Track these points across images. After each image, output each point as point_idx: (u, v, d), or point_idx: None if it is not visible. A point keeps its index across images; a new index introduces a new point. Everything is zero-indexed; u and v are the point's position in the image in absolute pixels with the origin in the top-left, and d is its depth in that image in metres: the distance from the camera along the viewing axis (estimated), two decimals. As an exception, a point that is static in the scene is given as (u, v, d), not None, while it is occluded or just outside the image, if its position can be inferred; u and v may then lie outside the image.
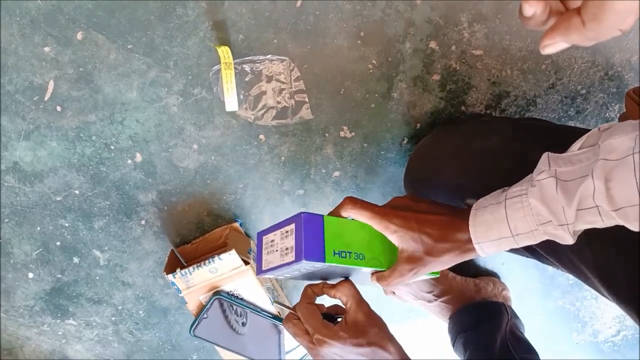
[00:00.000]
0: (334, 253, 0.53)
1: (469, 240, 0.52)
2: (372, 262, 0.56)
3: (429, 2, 0.74)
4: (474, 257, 0.54)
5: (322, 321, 0.57)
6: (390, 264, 0.58)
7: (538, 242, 0.49)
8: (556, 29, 0.37)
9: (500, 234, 0.49)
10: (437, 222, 0.55)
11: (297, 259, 0.52)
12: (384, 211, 0.56)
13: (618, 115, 0.83)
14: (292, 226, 0.54)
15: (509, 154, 0.64)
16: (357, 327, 0.56)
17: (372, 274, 0.58)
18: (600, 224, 0.44)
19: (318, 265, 0.53)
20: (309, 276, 0.59)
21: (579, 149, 0.46)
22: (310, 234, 0.53)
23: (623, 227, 0.52)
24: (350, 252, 0.55)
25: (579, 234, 0.56)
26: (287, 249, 0.54)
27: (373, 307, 0.95)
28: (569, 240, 0.47)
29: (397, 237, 0.56)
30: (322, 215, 0.55)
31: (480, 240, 0.51)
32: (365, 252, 0.56)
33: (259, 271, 0.58)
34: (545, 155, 0.48)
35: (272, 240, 0.57)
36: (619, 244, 0.53)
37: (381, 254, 0.57)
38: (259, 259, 0.58)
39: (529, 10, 0.39)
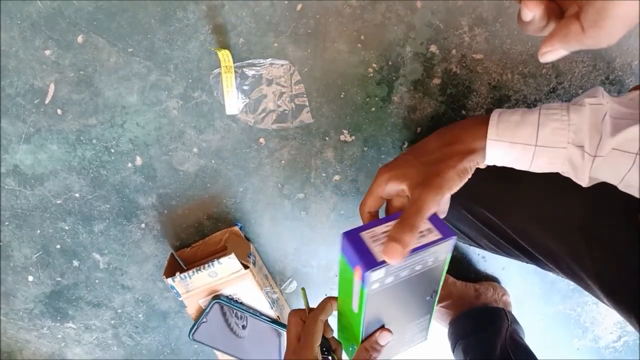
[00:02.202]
0: None
1: (481, 137, 0.45)
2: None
3: (429, 6, 0.74)
4: (479, 162, 0.47)
5: (317, 346, 0.56)
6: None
7: (548, 170, 0.44)
8: (555, 35, 0.37)
9: (522, 138, 0.43)
10: (431, 138, 0.50)
11: (446, 236, 0.48)
12: (372, 186, 0.53)
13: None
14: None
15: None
16: None
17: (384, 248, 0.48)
18: (615, 178, 0.41)
19: (429, 266, 0.50)
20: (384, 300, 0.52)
21: (632, 98, 0.43)
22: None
23: (623, 233, 0.52)
24: None
25: (579, 242, 0.55)
26: (425, 229, 0.49)
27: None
28: (584, 178, 0.42)
29: (396, 172, 0.50)
30: None
31: (498, 137, 0.44)
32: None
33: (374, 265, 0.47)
34: (597, 87, 0.44)
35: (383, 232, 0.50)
36: (619, 251, 0.53)
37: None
38: (361, 254, 0.48)
39: (528, 14, 0.39)
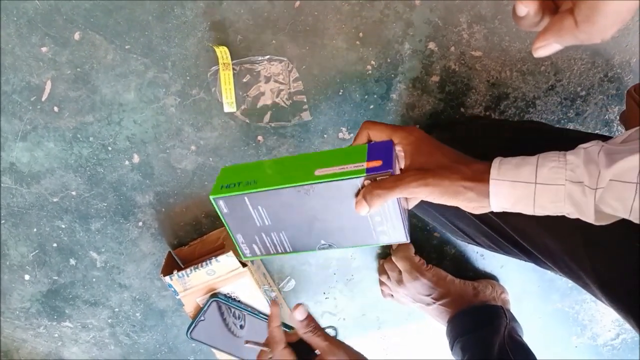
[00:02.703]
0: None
1: (485, 172, 0.48)
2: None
3: (428, 3, 0.73)
4: (479, 198, 0.49)
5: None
6: None
7: (554, 211, 0.46)
8: (549, 30, 0.38)
9: (522, 176, 0.46)
10: (457, 152, 0.53)
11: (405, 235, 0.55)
12: (407, 126, 0.55)
13: (618, 115, 0.83)
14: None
15: (508, 157, 0.64)
16: None
17: (359, 191, 0.52)
18: (623, 208, 0.42)
19: None
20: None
21: (625, 139, 0.43)
22: None
23: (622, 235, 0.52)
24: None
25: (577, 241, 0.55)
26: None
27: (372, 312, 0.94)
28: (590, 213, 0.44)
29: (412, 148, 0.52)
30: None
31: (500, 177, 0.47)
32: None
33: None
34: (595, 140, 0.46)
35: None
36: (618, 252, 0.52)
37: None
38: (390, 158, 0.53)
39: (523, 9, 0.39)
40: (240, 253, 0.61)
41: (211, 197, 0.55)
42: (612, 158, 0.42)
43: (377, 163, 0.51)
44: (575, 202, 0.44)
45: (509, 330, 0.84)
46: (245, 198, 0.54)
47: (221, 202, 0.55)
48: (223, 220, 0.57)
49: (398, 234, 0.55)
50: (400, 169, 0.55)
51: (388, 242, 0.56)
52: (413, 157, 0.52)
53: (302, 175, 0.53)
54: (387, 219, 0.54)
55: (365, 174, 0.50)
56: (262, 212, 0.56)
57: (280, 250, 0.61)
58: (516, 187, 0.46)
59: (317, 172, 0.53)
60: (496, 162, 0.48)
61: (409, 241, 0.55)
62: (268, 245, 0.60)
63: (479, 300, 0.88)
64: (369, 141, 0.56)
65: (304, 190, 0.53)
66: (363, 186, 0.51)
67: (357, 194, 0.52)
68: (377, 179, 0.51)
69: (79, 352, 0.98)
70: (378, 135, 0.55)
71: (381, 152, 0.53)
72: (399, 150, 0.54)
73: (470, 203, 0.49)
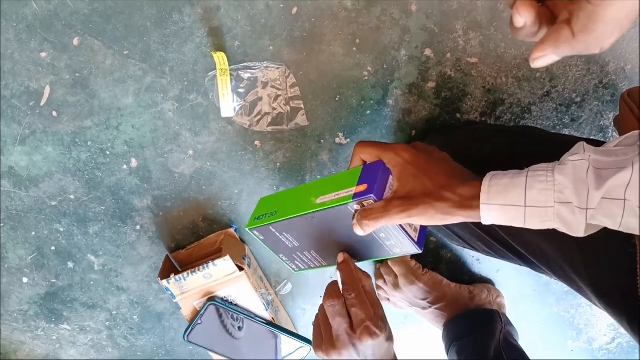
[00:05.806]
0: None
1: (473, 198, 0.48)
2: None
3: (424, 9, 0.74)
4: (468, 219, 0.50)
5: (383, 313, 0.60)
6: None
7: (545, 227, 0.46)
8: (546, 41, 0.38)
9: (512, 200, 0.46)
10: (446, 168, 0.53)
11: (418, 244, 0.56)
12: (395, 144, 0.56)
13: (613, 120, 0.83)
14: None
15: (503, 162, 0.64)
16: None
17: (355, 214, 0.54)
18: (612, 224, 0.42)
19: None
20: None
21: (615, 146, 0.44)
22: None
23: (615, 239, 0.53)
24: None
25: (571, 245, 0.56)
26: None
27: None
28: (579, 230, 0.44)
29: (399, 171, 0.53)
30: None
31: (489, 201, 0.47)
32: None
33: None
34: (580, 143, 0.46)
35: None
36: (611, 256, 0.53)
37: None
38: (379, 183, 0.54)
39: (520, 20, 0.39)
40: (290, 269, 0.70)
41: (247, 229, 0.64)
42: (601, 177, 0.41)
43: (362, 187, 0.53)
44: (565, 221, 0.44)
45: (504, 334, 0.84)
46: (271, 227, 0.62)
47: (256, 232, 0.64)
48: (264, 246, 0.66)
49: (407, 247, 0.57)
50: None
51: (402, 254, 0.59)
52: (400, 182, 0.53)
53: (306, 204, 0.58)
54: (390, 235, 0.56)
55: (351, 200, 0.53)
56: (288, 237, 0.63)
57: (317, 265, 0.67)
58: (506, 211, 0.46)
59: (318, 200, 0.57)
60: (486, 183, 0.48)
61: (420, 251, 0.56)
62: (306, 261, 0.67)
63: (475, 304, 0.88)
64: (364, 162, 0.58)
65: (309, 217, 0.58)
66: (356, 210, 0.54)
67: (354, 216, 0.55)
68: (364, 203, 0.53)
69: (77, 354, 0.99)
70: (368, 158, 0.57)
71: (369, 175, 0.55)
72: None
73: (459, 222, 0.50)
